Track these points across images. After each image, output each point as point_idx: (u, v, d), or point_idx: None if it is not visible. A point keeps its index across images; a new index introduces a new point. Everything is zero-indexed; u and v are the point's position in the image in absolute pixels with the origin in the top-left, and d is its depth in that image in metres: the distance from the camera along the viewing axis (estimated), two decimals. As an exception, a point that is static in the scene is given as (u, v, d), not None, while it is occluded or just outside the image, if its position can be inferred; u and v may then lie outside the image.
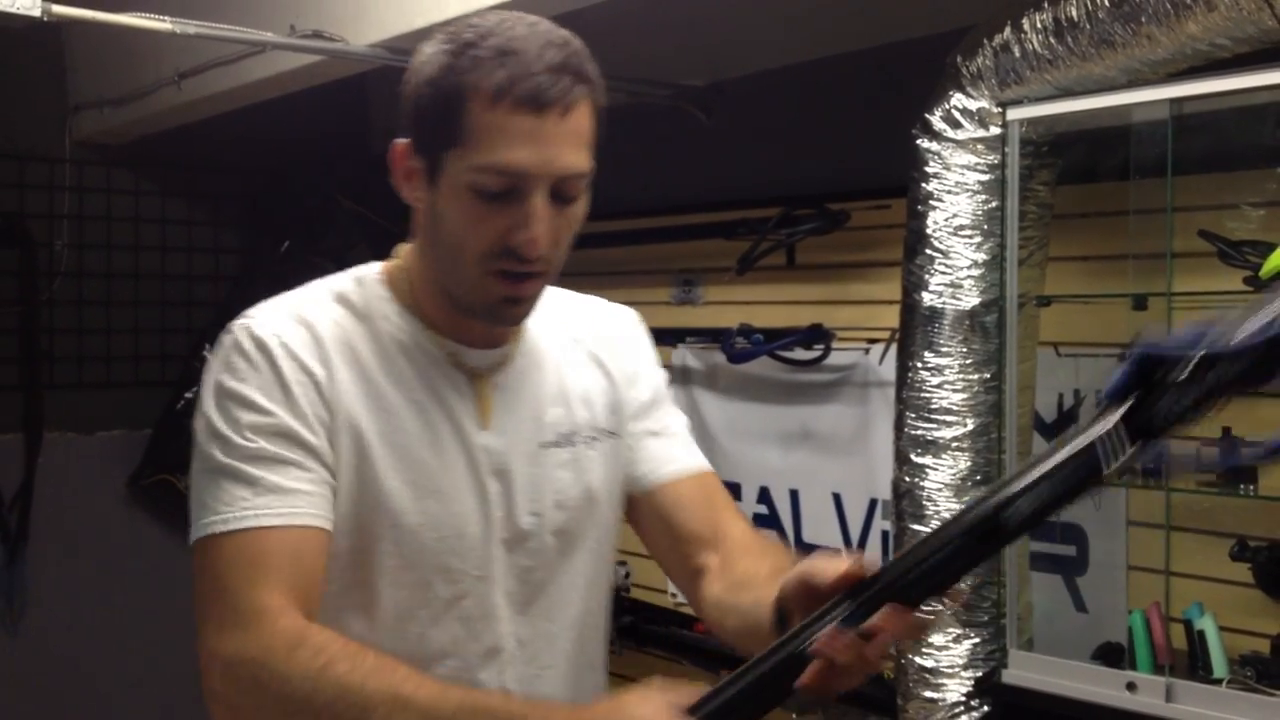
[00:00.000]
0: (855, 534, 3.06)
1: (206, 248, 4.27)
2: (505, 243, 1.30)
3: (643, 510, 1.54)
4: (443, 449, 1.38)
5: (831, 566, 1.14)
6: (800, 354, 3.11)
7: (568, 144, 1.30)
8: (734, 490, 3.30)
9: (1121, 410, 1.01)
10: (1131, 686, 2.12)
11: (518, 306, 1.37)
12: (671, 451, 1.55)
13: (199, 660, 1.27)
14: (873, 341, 2.98)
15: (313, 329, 1.36)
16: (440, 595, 1.38)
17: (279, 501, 1.29)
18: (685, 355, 3.37)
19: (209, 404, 1.33)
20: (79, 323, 4.08)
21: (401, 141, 1.35)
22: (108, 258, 4.12)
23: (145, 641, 4.03)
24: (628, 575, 3.59)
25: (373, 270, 1.45)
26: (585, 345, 1.53)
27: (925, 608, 1.11)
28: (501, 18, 1.31)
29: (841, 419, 3.06)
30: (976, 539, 1.08)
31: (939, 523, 2.38)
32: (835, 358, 3.06)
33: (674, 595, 3.50)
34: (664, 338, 3.33)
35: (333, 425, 1.34)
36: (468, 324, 1.41)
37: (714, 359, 3.30)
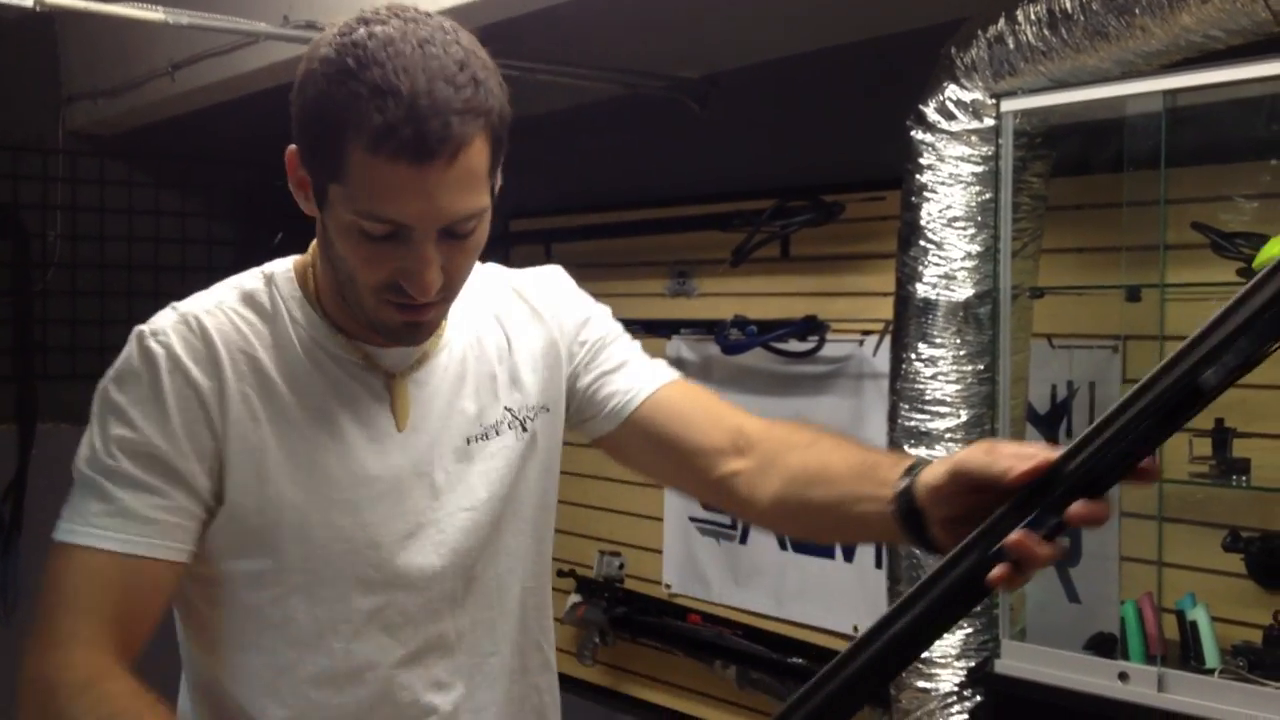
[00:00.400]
0: (849, 525, 3.06)
1: (200, 239, 4.27)
2: (397, 281, 1.24)
3: (631, 441, 1.48)
4: (353, 457, 1.33)
5: (1000, 462, 1.07)
6: (795, 346, 3.11)
7: (456, 190, 1.20)
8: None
9: None
10: (1124, 676, 2.13)
11: (418, 330, 1.31)
12: (637, 376, 1.49)
13: None
14: (866, 333, 2.98)
15: (208, 338, 1.29)
16: (360, 608, 1.34)
17: (126, 526, 1.24)
18: (680, 347, 3.37)
19: (93, 410, 1.29)
20: (73, 314, 4.08)
21: (293, 148, 1.28)
22: (101, 249, 4.13)
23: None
24: (622, 566, 3.60)
25: (285, 266, 1.38)
26: (511, 318, 1.48)
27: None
28: (390, 36, 1.18)
29: (836, 410, 3.07)
30: (1172, 408, 0.99)
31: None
32: (829, 349, 3.07)
33: (668, 586, 3.51)
34: (658, 329, 3.33)
35: (221, 446, 1.28)
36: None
37: (709, 350, 3.30)
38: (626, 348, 1.53)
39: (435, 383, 1.40)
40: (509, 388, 1.45)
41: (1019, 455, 1.06)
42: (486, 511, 1.41)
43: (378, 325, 1.29)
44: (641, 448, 1.48)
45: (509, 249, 3.72)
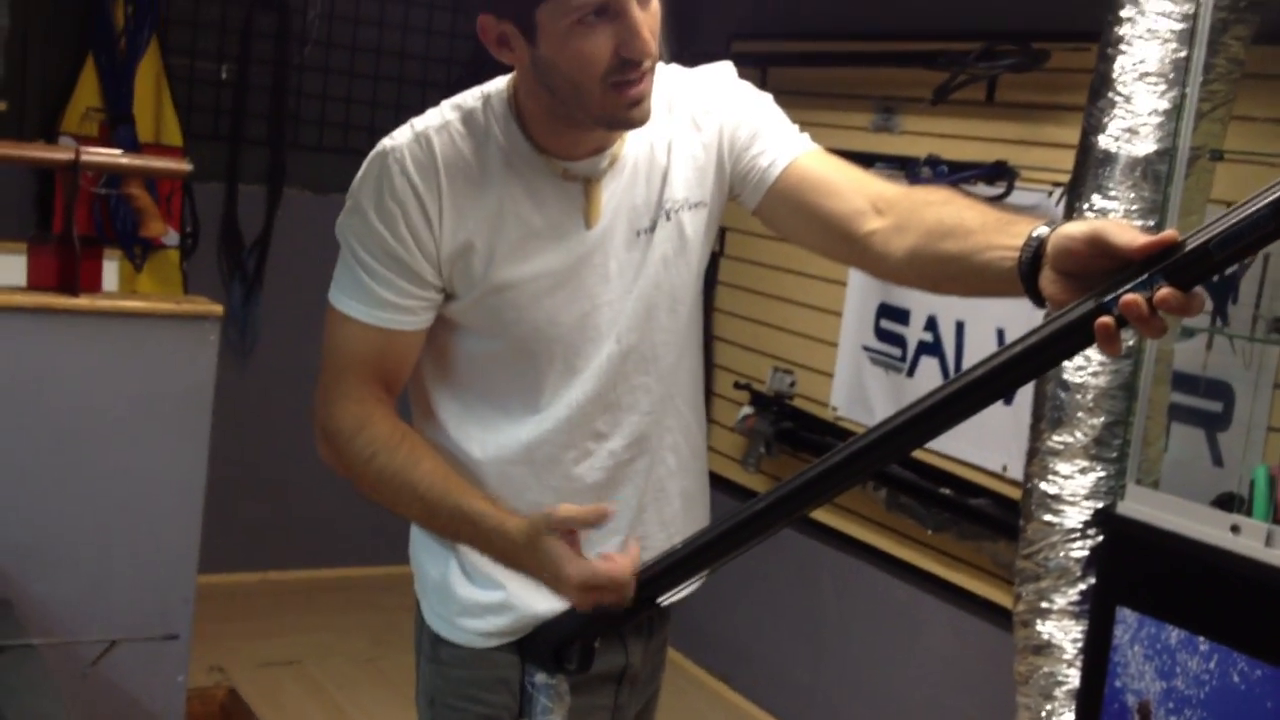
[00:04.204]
0: (1013, 370, 3.16)
1: (443, 31, 4.52)
2: (619, 56, 1.45)
3: (779, 209, 1.64)
4: (542, 253, 1.57)
5: (1131, 233, 1.18)
6: (984, 190, 3.18)
7: None
8: (902, 316, 3.43)
9: None
10: (1235, 529, 2.21)
11: (641, 106, 1.50)
12: (777, 148, 1.63)
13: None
14: (1057, 185, 3.02)
15: (433, 157, 1.55)
16: (541, 369, 1.62)
17: (378, 306, 1.56)
18: (875, 180, 3.47)
19: (350, 204, 1.57)
20: (323, 90, 4.40)
21: (485, 15, 1.50)
22: (354, 31, 4.41)
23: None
24: (793, 384, 3.78)
25: (499, 88, 1.60)
26: (675, 116, 1.64)
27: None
28: None
29: (1015, 257, 3.13)
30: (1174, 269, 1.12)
31: (1081, 359, 2.50)
32: (1018, 198, 3.13)
33: (834, 408, 3.68)
34: (857, 161, 3.42)
35: (438, 246, 1.55)
36: (579, 142, 1.57)
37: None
38: (777, 128, 1.66)
39: (618, 183, 1.61)
40: (669, 184, 1.63)
41: (1150, 233, 1.18)
42: (643, 295, 1.62)
43: (607, 119, 1.51)
44: (788, 216, 1.64)
45: (728, 70, 3.84)
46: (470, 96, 1.61)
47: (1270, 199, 1.09)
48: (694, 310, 1.71)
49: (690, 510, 1.75)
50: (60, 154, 2.67)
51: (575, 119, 1.53)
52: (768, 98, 1.70)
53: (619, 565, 1.47)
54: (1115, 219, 1.23)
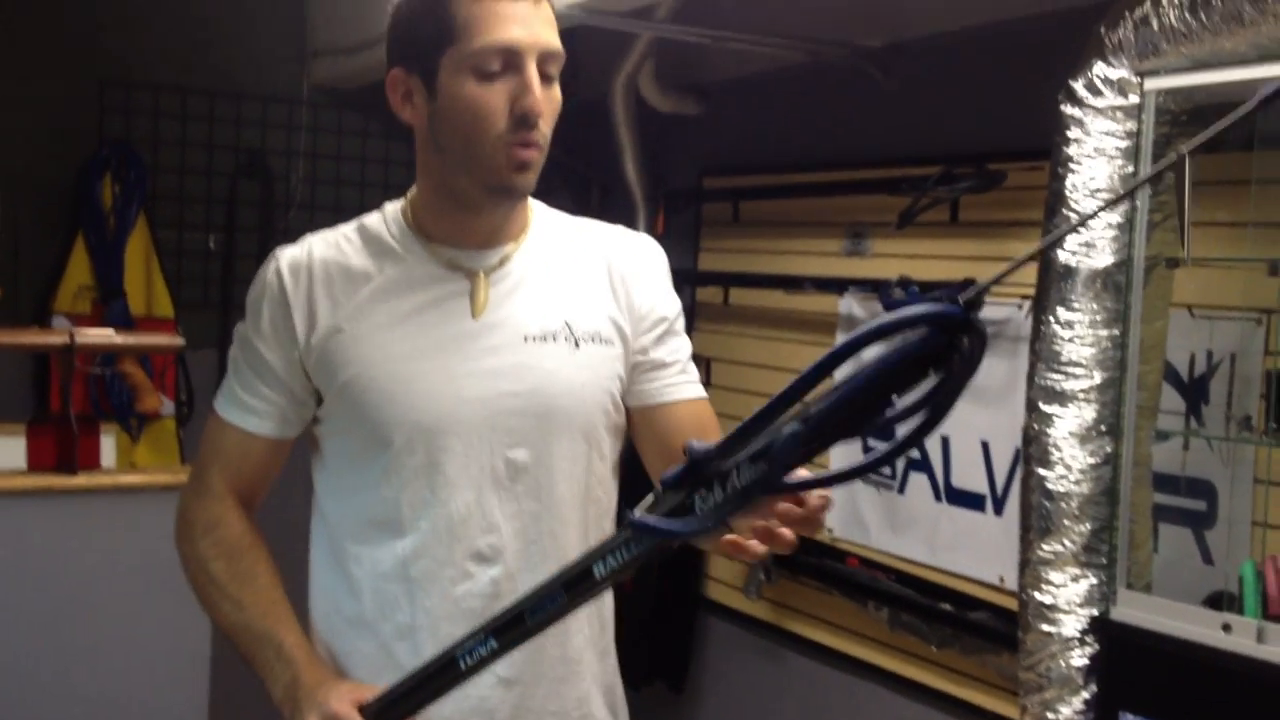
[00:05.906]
0: (1001, 480, 3.21)
1: (424, 187, 4.64)
2: (513, 111, 1.52)
3: (641, 428, 1.72)
4: (417, 336, 1.60)
5: None
6: (957, 307, 3.25)
7: (548, 25, 1.55)
8: (890, 436, 3.48)
9: (675, 497, 1.23)
10: (1227, 627, 2.25)
11: (526, 174, 1.57)
12: (673, 379, 1.72)
13: None
14: (1026, 298, 3.10)
15: (311, 255, 1.64)
16: (406, 462, 1.61)
17: (237, 405, 1.66)
18: (850, 304, 3.55)
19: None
20: (309, 251, 4.51)
21: (394, 70, 1.61)
22: (337, 193, 4.53)
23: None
24: (788, 508, 3.80)
25: (399, 202, 1.70)
26: (600, 263, 1.69)
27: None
28: None
29: (992, 371, 3.21)
30: (567, 585, 1.32)
31: (1062, 468, 2.55)
32: (989, 312, 3.20)
33: (830, 530, 3.71)
34: (830, 287, 3.52)
35: (306, 336, 1.61)
36: (465, 228, 1.63)
37: (877, 308, 3.47)
38: (682, 345, 1.75)
39: (511, 284, 1.65)
40: (578, 309, 1.66)
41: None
42: (531, 405, 1.61)
43: (493, 179, 1.57)
44: (647, 436, 1.73)
45: (701, 204, 3.95)
46: (375, 211, 1.71)
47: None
48: (609, 450, 1.70)
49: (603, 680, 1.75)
50: (55, 338, 2.75)
51: (462, 190, 1.59)
52: (678, 304, 1.78)
53: None
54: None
